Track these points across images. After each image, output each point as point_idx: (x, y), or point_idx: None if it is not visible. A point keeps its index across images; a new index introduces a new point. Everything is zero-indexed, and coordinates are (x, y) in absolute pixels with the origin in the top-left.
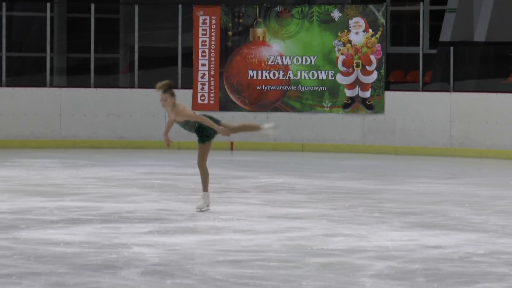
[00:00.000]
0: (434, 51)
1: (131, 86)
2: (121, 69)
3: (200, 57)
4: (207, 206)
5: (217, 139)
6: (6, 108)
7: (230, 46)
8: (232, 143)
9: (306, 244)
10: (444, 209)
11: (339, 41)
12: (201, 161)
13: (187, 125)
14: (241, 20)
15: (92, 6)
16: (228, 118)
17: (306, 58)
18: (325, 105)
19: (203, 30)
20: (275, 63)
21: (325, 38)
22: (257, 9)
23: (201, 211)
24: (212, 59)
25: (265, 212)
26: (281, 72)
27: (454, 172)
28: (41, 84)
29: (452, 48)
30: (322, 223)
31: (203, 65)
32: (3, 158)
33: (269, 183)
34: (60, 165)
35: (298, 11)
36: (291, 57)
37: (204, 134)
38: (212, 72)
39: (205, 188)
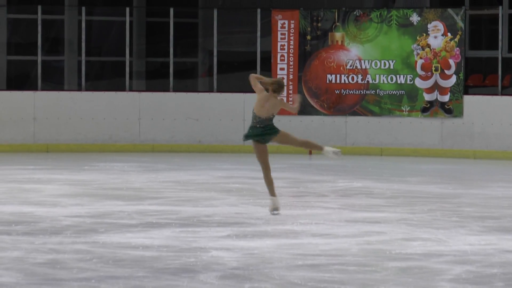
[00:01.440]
0: None
1: (210, 90)
2: (200, 73)
3: (278, 61)
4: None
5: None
6: (85, 112)
7: (308, 50)
8: None
9: (385, 248)
10: None
11: (418, 45)
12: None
13: (265, 120)
14: (319, 24)
15: (171, 10)
16: (307, 121)
17: (384, 62)
18: (404, 109)
19: (281, 34)
20: (354, 67)
21: (404, 42)
22: (336, 13)
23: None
24: (291, 63)
25: (343, 216)
26: (359, 76)
27: None
28: (120, 88)
29: None
30: (401, 227)
31: (282, 69)
32: (82, 162)
33: (348, 187)
34: (138, 169)
35: (377, 15)
36: (370, 61)
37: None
38: (291, 76)
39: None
